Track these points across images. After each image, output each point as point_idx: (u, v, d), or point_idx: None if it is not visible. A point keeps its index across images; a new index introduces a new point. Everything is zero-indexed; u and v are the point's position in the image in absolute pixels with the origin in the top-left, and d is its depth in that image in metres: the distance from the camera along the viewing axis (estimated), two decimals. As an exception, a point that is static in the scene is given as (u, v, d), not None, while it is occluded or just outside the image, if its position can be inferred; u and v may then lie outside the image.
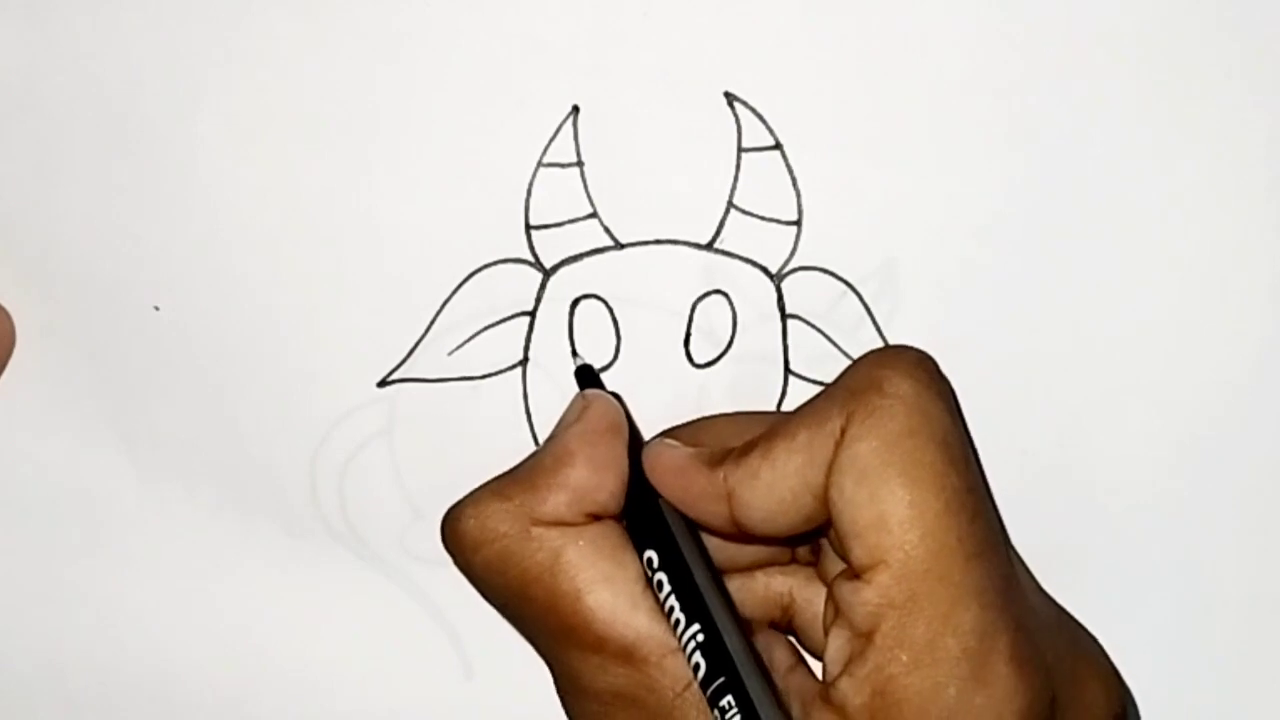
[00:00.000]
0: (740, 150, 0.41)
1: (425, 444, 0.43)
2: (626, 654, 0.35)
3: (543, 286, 0.42)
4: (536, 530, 0.36)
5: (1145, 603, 0.43)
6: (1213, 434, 0.43)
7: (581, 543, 0.36)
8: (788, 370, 0.42)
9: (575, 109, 0.41)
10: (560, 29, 0.41)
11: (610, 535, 0.37)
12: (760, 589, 0.40)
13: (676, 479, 0.37)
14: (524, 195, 0.41)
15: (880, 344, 0.42)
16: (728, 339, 0.42)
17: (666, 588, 0.36)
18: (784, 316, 0.42)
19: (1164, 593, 0.43)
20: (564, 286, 0.42)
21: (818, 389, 0.42)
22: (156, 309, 0.42)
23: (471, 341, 0.42)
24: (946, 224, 0.41)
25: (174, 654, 0.45)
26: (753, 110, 0.41)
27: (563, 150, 0.41)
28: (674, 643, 0.35)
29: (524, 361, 0.42)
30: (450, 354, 0.42)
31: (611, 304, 0.42)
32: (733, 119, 0.41)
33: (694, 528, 0.38)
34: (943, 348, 0.42)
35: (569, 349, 0.42)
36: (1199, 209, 0.41)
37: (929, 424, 0.34)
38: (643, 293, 0.42)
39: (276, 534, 0.44)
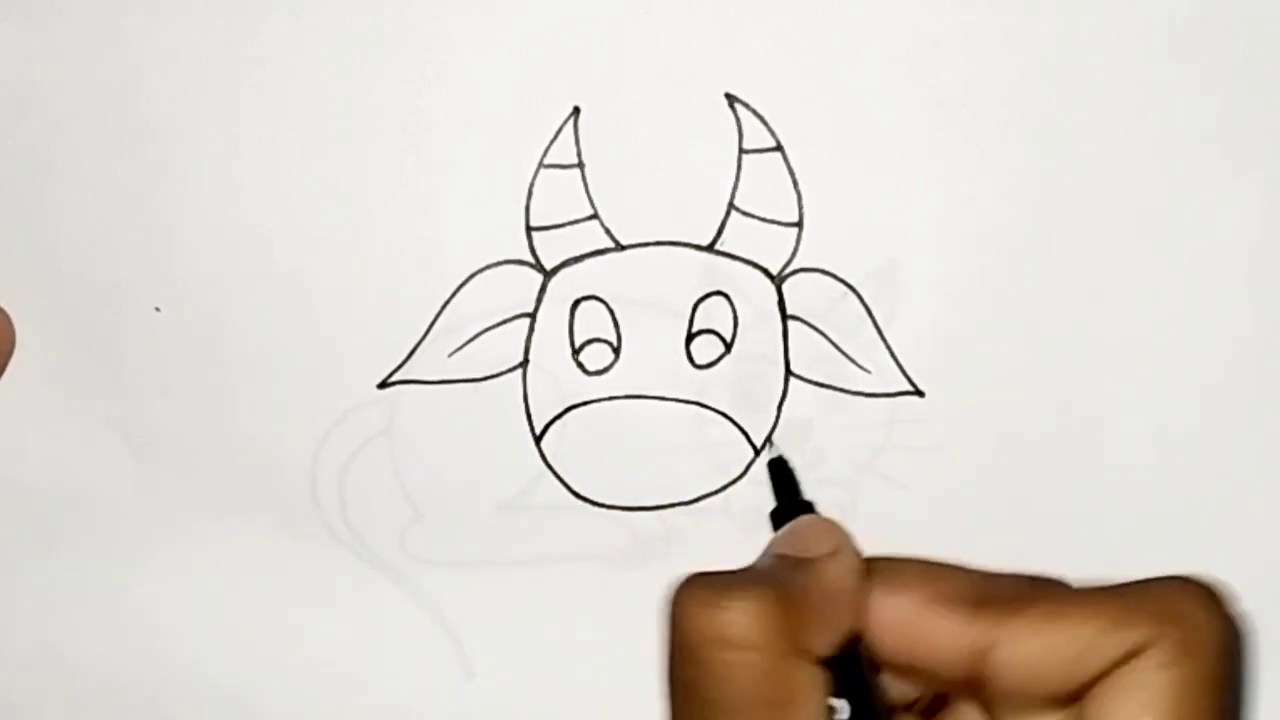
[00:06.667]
0: (741, 151, 0.41)
1: (425, 445, 0.43)
2: None
3: (543, 288, 0.42)
4: (796, 662, 0.33)
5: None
6: (1216, 433, 0.43)
7: (818, 689, 0.34)
8: (789, 371, 0.42)
9: (576, 110, 0.41)
10: (561, 29, 0.41)
11: (825, 684, 0.34)
12: None
13: (910, 626, 0.35)
14: (524, 196, 0.41)
15: (880, 345, 0.42)
16: (728, 340, 0.42)
17: None
18: (785, 318, 0.42)
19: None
20: (565, 288, 0.42)
21: (818, 390, 0.42)
22: (157, 309, 0.42)
23: (472, 343, 0.42)
24: (947, 225, 0.41)
25: (174, 653, 0.45)
26: (754, 111, 0.41)
27: (563, 151, 0.41)
28: None
29: (524, 363, 0.42)
30: (451, 355, 0.42)
31: (612, 305, 0.42)
32: (734, 120, 0.41)
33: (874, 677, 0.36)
34: (943, 348, 0.42)
35: (570, 352, 0.42)
36: (1199, 208, 0.41)
37: (1226, 680, 0.34)
38: (643, 294, 0.42)
39: (276, 534, 0.44)
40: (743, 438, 0.42)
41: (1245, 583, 0.43)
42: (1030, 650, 0.34)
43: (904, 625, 0.35)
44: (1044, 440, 0.43)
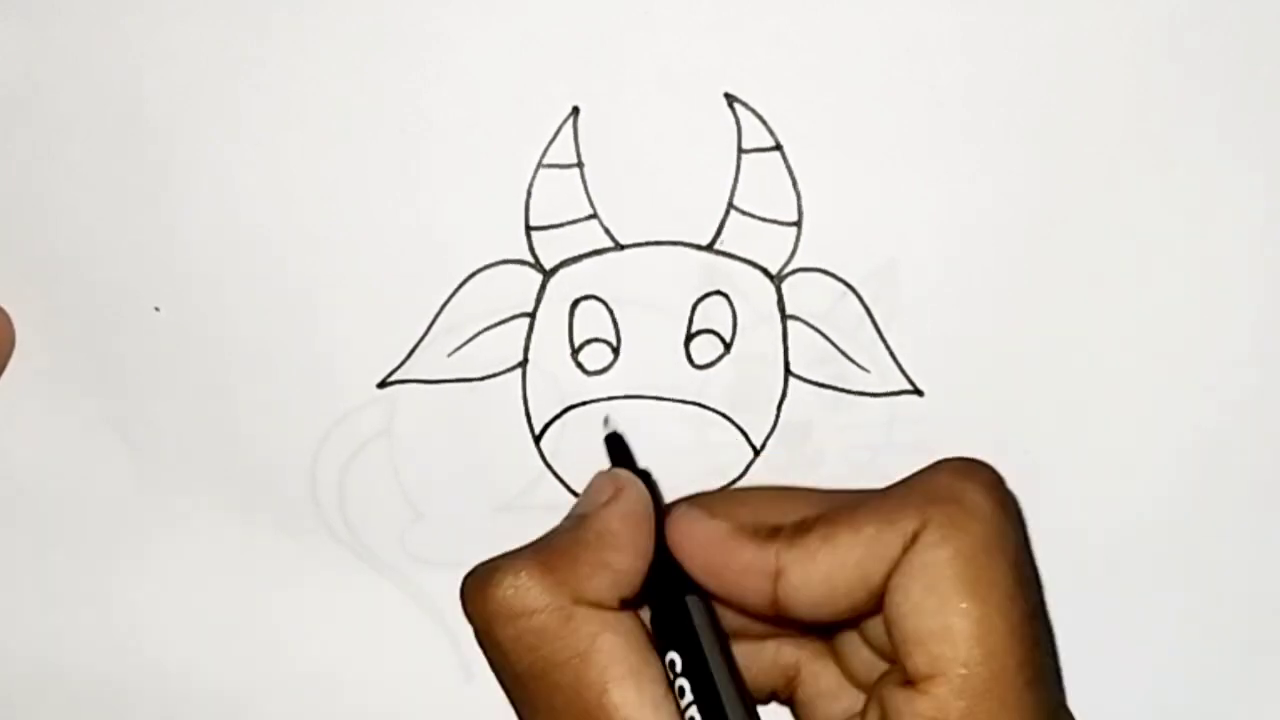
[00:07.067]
0: (740, 151, 0.41)
1: (425, 445, 0.43)
2: None
3: (543, 288, 0.42)
4: (579, 611, 0.35)
5: (1148, 601, 0.43)
6: (1215, 432, 0.43)
7: (616, 632, 0.35)
8: (788, 372, 0.42)
9: (575, 110, 0.41)
10: (561, 29, 0.40)
11: (637, 628, 0.36)
12: (769, 656, 0.40)
13: (715, 553, 0.36)
14: (524, 196, 0.41)
15: (880, 345, 0.42)
16: (728, 340, 0.42)
17: (689, 696, 0.35)
18: (784, 317, 0.42)
19: (1167, 591, 0.43)
20: (564, 287, 0.42)
21: (818, 390, 0.42)
22: (156, 309, 0.42)
23: (471, 343, 0.42)
24: (946, 224, 0.41)
25: (174, 654, 0.45)
26: (753, 111, 0.41)
27: (563, 151, 0.41)
28: None
29: (524, 363, 0.42)
30: (450, 355, 0.42)
31: (611, 305, 0.42)
32: (733, 120, 0.41)
33: (716, 623, 0.37)
34: (942, 348, 0.42)
35: (569, 352, 0.42)
36: (1199, 209, 0.41)
37: (1004, 544, 0.34)
38: (643, 294, 0.42)
39: (276, 534, 0.44)
40: (742, 438, 0.42)
41: (1245, 583, 0.44)
42: (816, 571, 0.35)
43: (713, 555, 0.36)
44: (1045, 439, 0.43)
